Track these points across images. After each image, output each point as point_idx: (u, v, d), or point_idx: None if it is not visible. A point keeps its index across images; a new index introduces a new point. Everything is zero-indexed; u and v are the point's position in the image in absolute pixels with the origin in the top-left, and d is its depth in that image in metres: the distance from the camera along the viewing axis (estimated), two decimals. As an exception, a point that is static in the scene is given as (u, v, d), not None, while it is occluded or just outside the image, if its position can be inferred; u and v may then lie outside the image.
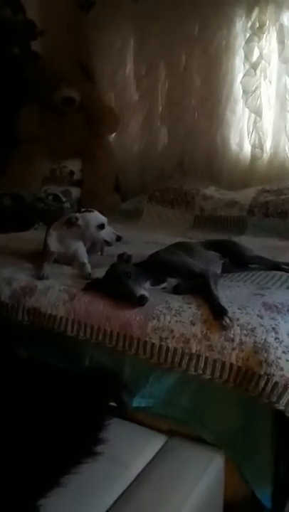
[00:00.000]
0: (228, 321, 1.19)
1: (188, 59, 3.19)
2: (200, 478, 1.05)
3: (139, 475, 1.03)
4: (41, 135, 3.19)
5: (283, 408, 1.04)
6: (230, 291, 1.37)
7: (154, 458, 1.09)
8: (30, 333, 1.38)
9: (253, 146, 2.97)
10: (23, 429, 1.03)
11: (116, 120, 3.35)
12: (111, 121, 3.35)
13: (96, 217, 1.70)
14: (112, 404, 1.20)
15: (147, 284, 1.36)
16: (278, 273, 1.64)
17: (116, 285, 1.31)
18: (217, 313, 1.22)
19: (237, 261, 1.71)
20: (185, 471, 1.06)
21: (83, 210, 1.84)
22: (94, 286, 1.38)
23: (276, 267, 1.71)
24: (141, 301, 1.26)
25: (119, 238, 1.68)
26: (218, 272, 1.56)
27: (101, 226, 1.67)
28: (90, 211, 1.79)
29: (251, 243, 2.17)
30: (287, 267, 1.70)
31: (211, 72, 3.12)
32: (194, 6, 3.01)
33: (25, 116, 3.20)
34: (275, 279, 1.56)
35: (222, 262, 1.65)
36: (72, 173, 3.21)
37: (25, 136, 3.19)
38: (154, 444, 1.13)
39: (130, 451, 1.09)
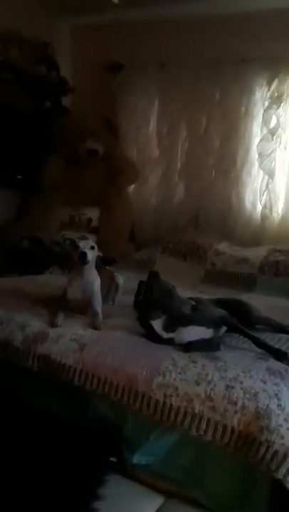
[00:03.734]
0: None
1: (208, 121, 3.38)
2: None
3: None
4: (63, 183, 3.36)
5: (282, 477, 1.05)
6: (235, 353, 1.40)
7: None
8: (38, 379, 1.41)
9: (264, 207, 3.08)
10: (21, 479, 1.04)
11: (136, 173, 3.51)
12: (132, 173, 3.51)
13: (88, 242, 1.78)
14: (112, 459, 1.21)
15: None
16: (284, 336, 1.66)
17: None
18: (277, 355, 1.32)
19: (244, 321, 1.74)
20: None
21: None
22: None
23: (283, 329, 1.73)
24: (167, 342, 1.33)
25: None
26: (224, 329, 1.59)
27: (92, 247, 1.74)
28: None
29: (260, 301, 2.21)
30: (293, 331, 1.72)
31: (229, 135, 3.29)
32: (217, 73, 3.22)
33: (50, 165, 3.39)
34: (281, 343, 1.58)
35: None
36: (90, 220, 3.34)
37: (49, 183, 3.36)
38: (151, 504, 1.13)
39: (127, 510, 1.09)
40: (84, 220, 3.32)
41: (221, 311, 1.56)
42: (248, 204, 3.22)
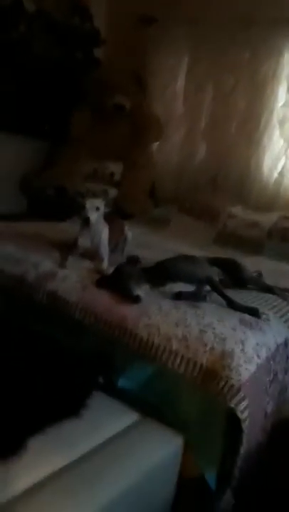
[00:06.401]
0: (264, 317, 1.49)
1: (235, 83, 3.40)
2: (158, 451, 1.29)
3: (106, 439, 1.27)
4: (89, 136, 3.48)
5: (234, 406, 1.26)
6: (216, 306, 1.59)
7: (123, 429, 1.33)
8: (46, 312, 1.64)
9: (280, 173, 3.14)
10: (24, 381, 1.30)
11: (161, 130, 3.59)
12: (156, 130, 3.59)
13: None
14: (101, 380, 1.45)
15: (147, 287, 1.61)
16: (269, 296, 1.83)
17: (119, 283, 1.56)
18: (252, 313, 1.51)
19: (236, 280, 1.92)
20: (146, 444, 1.30)
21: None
22: (103, 282, 1.64)
23: (270, 290, 1.90)
24: (136, 300, 1.51)
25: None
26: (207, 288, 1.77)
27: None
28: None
29: (265, 265, 2.34)
30: (279, 292, 1.89)
31: (255, 98, 3.32)
32: (248, 34, 3.21)
33: (77, 117, 3.50)
34: (262, 300, 1.76)
35: (221, 278, 1.86)
36: (112, 174, 3.48)
37: (75, 135, 3.49)
38: (127, 418, 1.37)
39: (106, 418, 1.33)
40: (107, 173, 3.47)
41: (208, 272, 1.73)
42: (265, 169, 3.29)
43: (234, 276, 1.92)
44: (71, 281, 1.67)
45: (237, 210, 3.18)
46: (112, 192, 3.44)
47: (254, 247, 2.82)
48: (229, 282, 1.88)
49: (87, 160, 3.46)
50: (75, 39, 3.50)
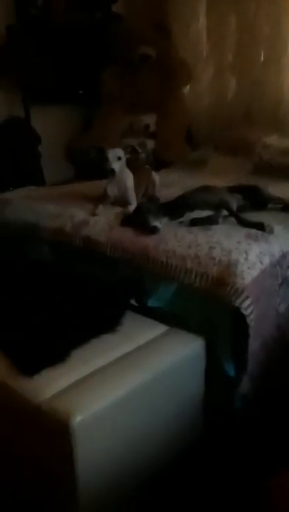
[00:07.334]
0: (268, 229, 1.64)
1: (257, 9, 3.32)
2: (182, 350, 1.54)
3: (139, 345, 1.54)
4: (121, 93, 3.62)
5: (238, 305, 1.46)
6: (228, 226, 1.76)
7: (153, 338, 1.58)
8: (83, 254, 1.92)
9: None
10: (71, 306, 1.60)
11: (189, 73, 3.62)
12: (185, 74, 3.63)
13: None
14: (133, 302, 1.71)
15: (165, 219, 1.81)
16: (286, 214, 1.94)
17: (138, 218, 1.79)
18: (258, 227, 1.64)
19: (256, 201, 2.04)
20: (173, 345, 1.55)
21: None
22: (126, 220, 1.87)
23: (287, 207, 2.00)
24: (153, 230, 1.72)
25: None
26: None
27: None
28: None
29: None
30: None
31: (278, 22, 3.23)
32: None
33: (107, 76, 3.63)
34: (279, 217, 1.88)
35: (240, 203, 1.99)
36: (147, 126, 3.62)
37: (107, 93, 3.64)
38: (156, 329, 1.62)
39: (137, 331, 1.59)
40: (142, 126, 3.61)
41: (222, 196, 1.88)
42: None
43: (254, 200, 2.05)
44: (101, 225, 1.91)
45: (272, 139, 3.18)
46: (150, 143, 3.60)
47: (289, 173, 2.82)
48: (248, 206, 2.01)
49: (122, 117, 3.61)
50: (92, 0, 3.59)
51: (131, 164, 2.23)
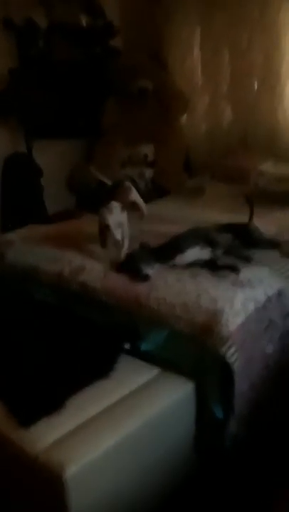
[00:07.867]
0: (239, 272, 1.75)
1: (250, 40, 3.42)
2: (172, 394, 1.61)
3: (132, 390, 1.62)
4: (120, 124, 3.74)
5: (223, 354, 1.54)
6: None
7: (145, 381, 1.66)
8: (80, 298, 2.01)
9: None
10: (65, 352, 1.69)
11: (186, 103, 3.73)
12: (181, 104, 3.74)
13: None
14: (127, 346, 1.79)
15: (157, 265, 1.90)
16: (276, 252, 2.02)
17: (131, 265, 1.88)
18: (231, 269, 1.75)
19: (247, 242, 2.12)
20: (163, 389, 1.62)
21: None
22: (120, 267, 1.97)
23: (276, 246, 2.08)
24: (145, 278, 1.82)
25: None
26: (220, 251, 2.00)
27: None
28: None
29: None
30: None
31: (271, 51, 3.33)
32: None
33: (108, 108, 3.77)
34: (269, 256, 1.95)
35: (230, 244, 2.06)
36: (146, 156, 3.72)
37: (107, 126, 3.77)
38: (148, 373, 1.70)
39: (130, 375, 1.68)
40: (141, 156, 3.72)
41: (208, 235, 1.98)
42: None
43: (244, 240, 2.12)
44: (96, 272, 2.01)
45: (267, 166, 3.26)
46: (148, 172, 3.70)
47: (284, 200, 2.89)
48: (238, 245, 2.09)
49: (122, 148, 3.73)
50: (91, 37, 3.73)
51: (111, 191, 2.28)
